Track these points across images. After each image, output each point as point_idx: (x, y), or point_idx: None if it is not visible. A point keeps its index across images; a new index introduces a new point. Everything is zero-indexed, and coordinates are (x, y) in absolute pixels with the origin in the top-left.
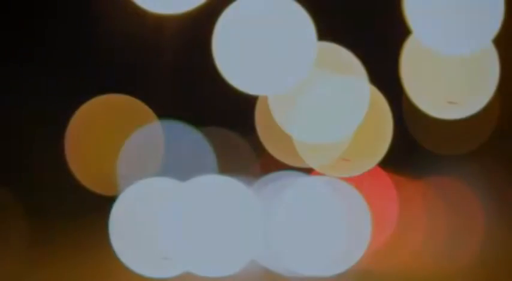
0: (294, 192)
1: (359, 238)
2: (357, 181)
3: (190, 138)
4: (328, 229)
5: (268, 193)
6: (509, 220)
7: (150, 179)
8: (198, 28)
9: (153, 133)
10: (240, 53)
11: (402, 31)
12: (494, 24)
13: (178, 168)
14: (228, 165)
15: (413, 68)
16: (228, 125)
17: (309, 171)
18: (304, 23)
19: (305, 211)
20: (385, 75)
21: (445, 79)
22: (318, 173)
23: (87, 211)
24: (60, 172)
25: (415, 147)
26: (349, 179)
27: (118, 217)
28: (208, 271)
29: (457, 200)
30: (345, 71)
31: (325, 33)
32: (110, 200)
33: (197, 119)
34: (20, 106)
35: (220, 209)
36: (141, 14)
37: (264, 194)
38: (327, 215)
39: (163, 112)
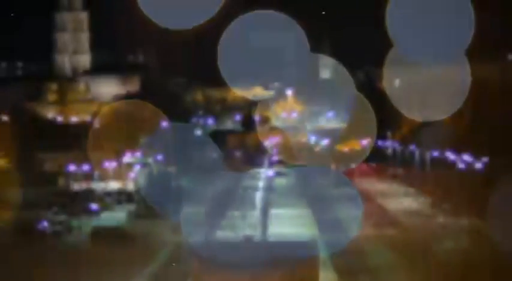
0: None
1: (353, 218)
2: (347, 173)
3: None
4: (326, 208)
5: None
6: (479, 205)
7: None
8: (204, 42)
9: (164, 135)
10: (242, 64)
11: (385, 44)
12: (466, 39)
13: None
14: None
15: (394, 76)
16: (231, 127)
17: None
18: (299, 37)
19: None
20: (370, 83)
21: (423, 86)
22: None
23: None
24: None
25: (396, 144)
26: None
27: None
28: None
29: (431, 187)
30: (335, 79)
31: (317, 46)
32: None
33: (204, 121)
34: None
35: None
36: (154, 29)
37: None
38: (324, 197)
39: (174, 116)
